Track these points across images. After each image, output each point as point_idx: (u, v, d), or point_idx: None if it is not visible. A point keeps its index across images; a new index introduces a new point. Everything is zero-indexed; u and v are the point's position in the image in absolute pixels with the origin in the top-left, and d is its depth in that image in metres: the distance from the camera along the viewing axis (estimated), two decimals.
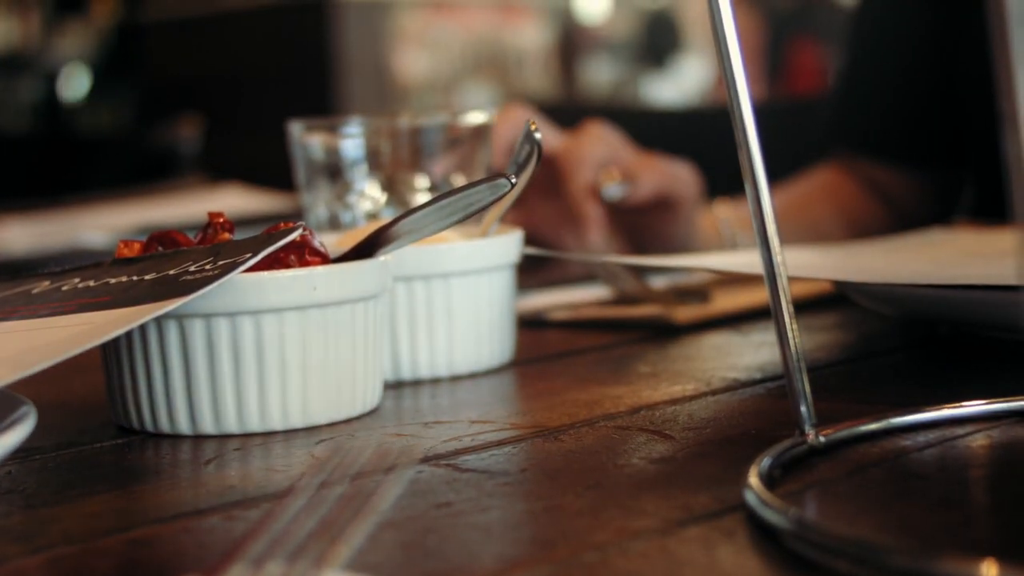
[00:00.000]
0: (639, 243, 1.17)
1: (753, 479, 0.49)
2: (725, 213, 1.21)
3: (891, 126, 1.36)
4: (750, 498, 0.48)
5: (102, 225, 1.70)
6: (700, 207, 1.18)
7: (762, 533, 0.46)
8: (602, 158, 1.12)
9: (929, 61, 1.32)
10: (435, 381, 0.74)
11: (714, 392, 0.69)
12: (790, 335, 0.53)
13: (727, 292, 0.96)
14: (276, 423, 0.64)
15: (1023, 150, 0.37)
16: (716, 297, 0.95)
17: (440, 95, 4.37)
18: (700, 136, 1.57)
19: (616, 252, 1.15)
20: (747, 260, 0.87)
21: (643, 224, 1.16)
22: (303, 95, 4.04)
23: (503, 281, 0.77)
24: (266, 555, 0.40)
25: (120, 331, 0.57)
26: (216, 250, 0.63)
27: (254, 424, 0.63)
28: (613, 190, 1.12)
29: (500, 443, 0.61)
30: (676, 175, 1.15)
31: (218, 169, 2.75)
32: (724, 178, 1.18)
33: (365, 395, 0.67)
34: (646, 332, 0.87)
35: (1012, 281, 0.69)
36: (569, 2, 4.99)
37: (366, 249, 0.67)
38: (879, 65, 1.37)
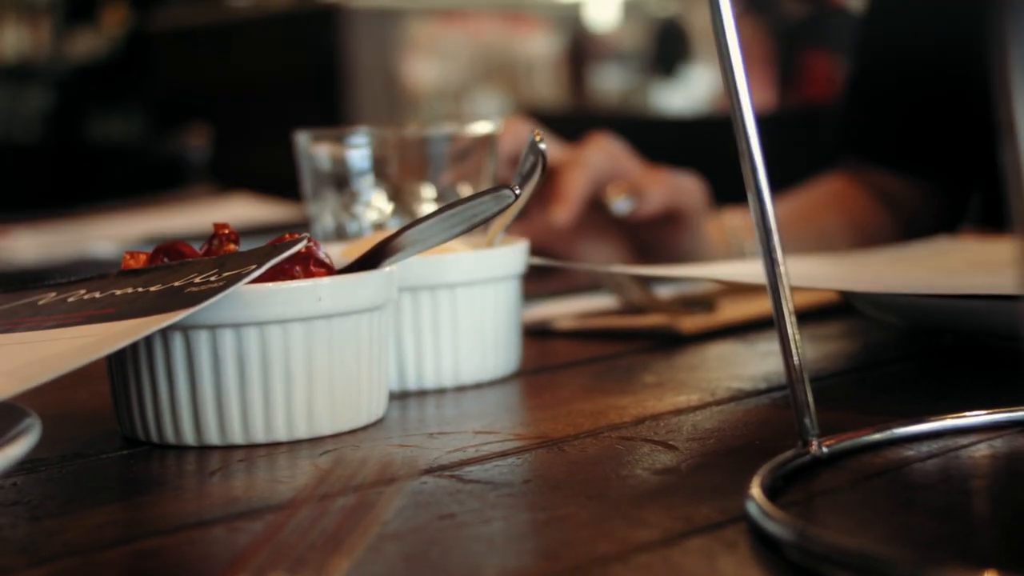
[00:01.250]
0: (648, 255, 1.17)
1: (755, 490, 0.49)
2: (732, 221, 1.21)
3: (900, 135, 1.36)
4: (752, 509, 0.48)
5: (110, 235, 1.70)
6: (707, 216, 1.18)
7: (764, 544, 0.46)
8: (603, 166, 1.12)
9: (937, 69, 1.32)
10: (440, 391, 0.74)
11: (718, 402, 0.69)
12: (793, 345, 0.54)
13: (733, 302, 0.97)
14: (281, 434, 0.64)
15: (1021, 160, 0.37)
16: (722, 307, 0.95)
17: (449, 104, 4.37)
18: (709, 144, 1.57)
19: (622, 262, 1.16)
20: (752, 270, 0.87)
21: (652, 237, 1.16)
22: (312, 104, 4.05)
23: (509, 291, 0.78)
24: (269, 566, 0.40)
25: (125, 343, 0.57)
26: (221, 262, 0.63)
27: (259, 435, 0.63)
28: (621, 204, 1.12)
29: (504, 454, 0.61)
30: (683, 187, 1.15)
31: (226, 178, 2.76)
32: (732, 186, 1.17)
33: (370, 406, 0.67)
34: (652, 342, 0.88)
35: (1014, 291, 0.69)
36: (578, 11, 4.99)
37: (371, 260, 0.67)
38: (888, 73, 1.37)
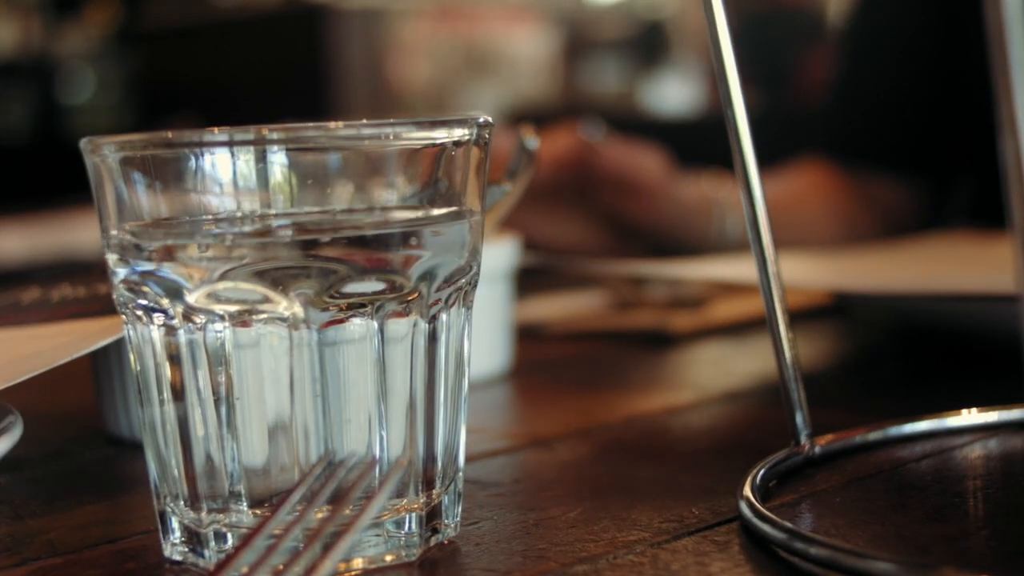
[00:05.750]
0: (619, 229, 1.17)
1: (747, 490, 0.49)
2: (716, 193, 1.20)
3: (883, 133, 1.36)
4: (744, 509, 0.48)
5: (96, 232, 1.69)
6: (676, 185, 1.17)
7: (756, 544, 0.46)
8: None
9: (923, 67, 1.32)
10: None
11: (710, 402, 0.69)
12: (785, 344, 0.53)
13: (725, 300, 0.96)
14: None
15: (1020, 156, 0.37)
16: (714, 304, 0.94)
17: (438, 102, 4.36)
18: (700, 142, 1.57)
19: (594, 240, 1.15)
20: (745, 269, 0.86)
21: (612, 208, 1.15)
22: (301, 103, 4.04)
23: (500, 289, 0.77)
24: (255, 566, 0.40)
25: (108, 340, 0.56)
26: None
27: None
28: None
29: (494, 453, 0.60)
30: (635, 162, 1.14)
31: None
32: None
33: None
34: (643, 342, 0.87)
35: (1010, 290, 0.68)
36: (572, 6, 4.99)
37: None
38: (873, 72, 1.37)
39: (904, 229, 1.23)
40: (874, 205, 1.35)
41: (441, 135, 0.45)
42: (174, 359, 0.45)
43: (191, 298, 0.44)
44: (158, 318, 0.45)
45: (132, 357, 0.47)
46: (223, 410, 0.44)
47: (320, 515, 0.43)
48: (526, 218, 1.12)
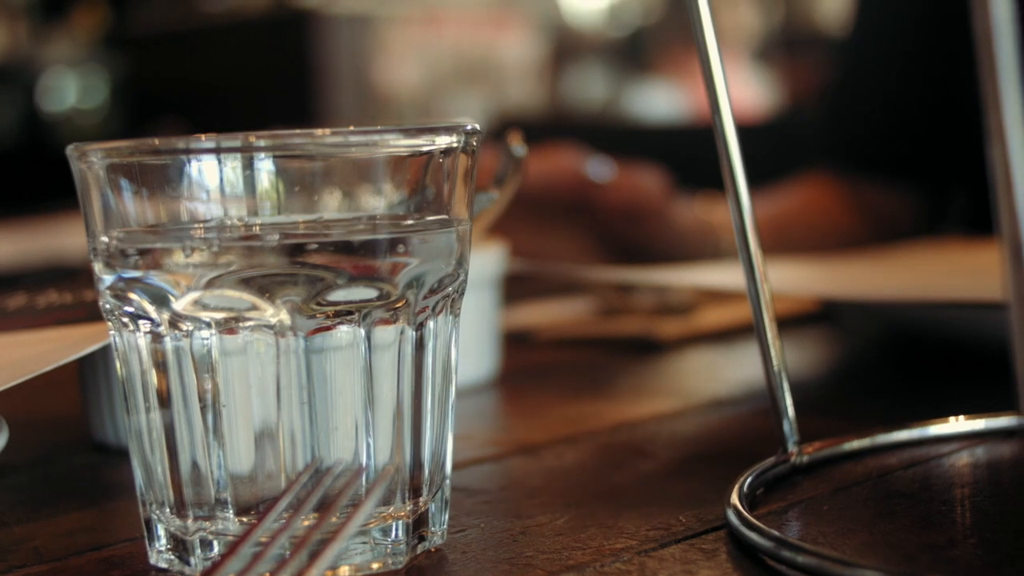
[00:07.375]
0: (614, 248, 1.17)
1: (735, 498, 0.49)
2: (711, 216, 1.20)
3: (879, 141, 1.36)
4: (731, 517, 0.47)
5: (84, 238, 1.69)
6: (675, 207, 1.18)
7: (743, 553, 0.46)
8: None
9: (919, 75, 1.32)
10: None
11: (697, 409, 0.69)
12: (772, 352, 0.53)
13: (713, 306, 0.96)
14: None
15: (1009, 164, 0.37)
16: (701, 311, 0.94)
17: (425, 107, 4.36)
18: (689, 150, 1.57)
19: (591, 258, 1.15)
20: (732, 276, 0.86)
21: (612, 231, 1.15)
22: (288, 108, 4.04)
23: (487, 296, 0.77)
24: (242, 573, 0.40)
25: (95, 347, 0.56)
26: None
27: None
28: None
29: (481, 460, 0.60)
30: (639, 190, 1.15)
31: None
32: (713, 187, 1.17)
33: None
34: (630, 348, 0.87)
35: (997, 297, 0.68)
36: (559, 13, 4.99)
37: None
38: (869, 79, 1.37)
39: (901, 238, 1.23)
40: (871, 216, 1.35)
41: (428, 142, 0.45)
42: (160, 366, 0.45)
43: (177, 305, 0.44)
44: (144, 325, 0.45)
45: (118, 364, 0.47)
46: (209, 417, 0.44)
47: (307, 523, 0.43)
48: (518, 232, 1.12)
